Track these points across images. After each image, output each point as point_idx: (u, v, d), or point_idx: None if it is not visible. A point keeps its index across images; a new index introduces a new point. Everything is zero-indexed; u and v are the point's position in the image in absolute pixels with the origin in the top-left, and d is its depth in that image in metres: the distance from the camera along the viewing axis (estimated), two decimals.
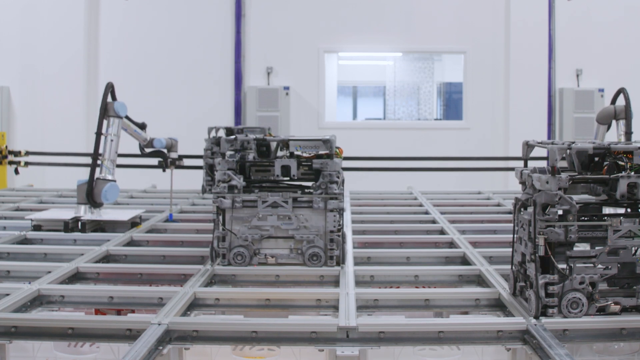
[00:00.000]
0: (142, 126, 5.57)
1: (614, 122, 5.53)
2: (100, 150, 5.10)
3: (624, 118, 5.40)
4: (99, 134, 5.09)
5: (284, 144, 3.94)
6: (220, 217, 3.88)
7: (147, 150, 5.75)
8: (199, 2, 11.29)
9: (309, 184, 3.94)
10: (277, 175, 3.91)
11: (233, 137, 3.96)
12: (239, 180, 3.87)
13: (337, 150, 3.92)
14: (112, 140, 5.15)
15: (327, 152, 3.89)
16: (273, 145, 3.94)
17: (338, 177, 3.88)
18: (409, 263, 4.10)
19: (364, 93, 17.55)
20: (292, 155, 3.94)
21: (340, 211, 3.90)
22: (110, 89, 5.13)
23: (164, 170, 5.86)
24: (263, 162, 3.94)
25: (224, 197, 3.86)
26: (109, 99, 5.13)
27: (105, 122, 5.13)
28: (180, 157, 5.93)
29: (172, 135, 5.98)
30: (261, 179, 3.98)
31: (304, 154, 3.92)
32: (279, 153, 3.98)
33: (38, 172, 9.75)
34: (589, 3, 11.08)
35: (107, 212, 5.19)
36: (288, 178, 3.93)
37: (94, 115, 5.18)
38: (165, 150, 5.81)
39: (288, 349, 3.57)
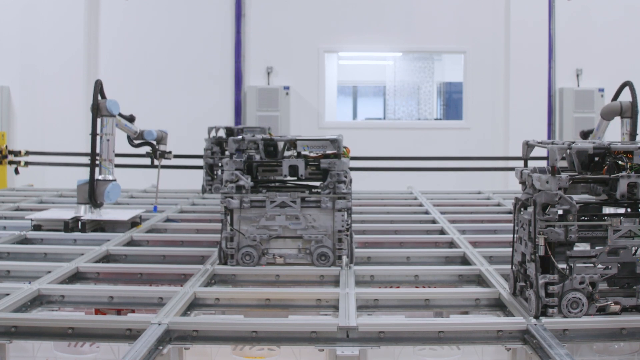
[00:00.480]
0: (131, 119, 5.54)
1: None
2: (97, 150, 5.09)
3: (629, 117, 5.15)
4: (94, 134, 5.08)
5: (292, 143, 3.93)
6: (228, 218, 3.87)
7: (137, 142, 5.75)
8: (199, 2, 11.29)
9: (317, 183, 3.93)
10: (285, 175, 3.91)
11: (240, 137, 3.95)
12: (246, 181, 3.86)
13: (345, 150, 3.92)
14: (108, 140, 5.14)
15: (334, 151, 3.89)
16: (280, 145, 3.94)
17: (346, 177, 3.87)
18: (409, 263, 4.10)
19: (364, 93, 17.54)
20: (299, 155, 3.94)
21: (348, 211, 3.89)
22: (99, 87, 5.08)
23: (152, 162, 5.87)
24: (270, 162, 3.93)
25: (232, 198, 3.85)
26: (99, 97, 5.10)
27: (99, 121, 5.10)
28: (170, 152, 5.94)
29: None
30: (269, 179, 3.97)
31: (312, 154, 3.92)
32: (286, 153, 3.97)
33: (38, 172, 9.75)
34: (589, 3, 11.08)
35: (107, 212, 5.18)
36: (296, 178, 3.92)
37: None
38: (154, 142, 5.81)
39: (288, 349, 3.58)
